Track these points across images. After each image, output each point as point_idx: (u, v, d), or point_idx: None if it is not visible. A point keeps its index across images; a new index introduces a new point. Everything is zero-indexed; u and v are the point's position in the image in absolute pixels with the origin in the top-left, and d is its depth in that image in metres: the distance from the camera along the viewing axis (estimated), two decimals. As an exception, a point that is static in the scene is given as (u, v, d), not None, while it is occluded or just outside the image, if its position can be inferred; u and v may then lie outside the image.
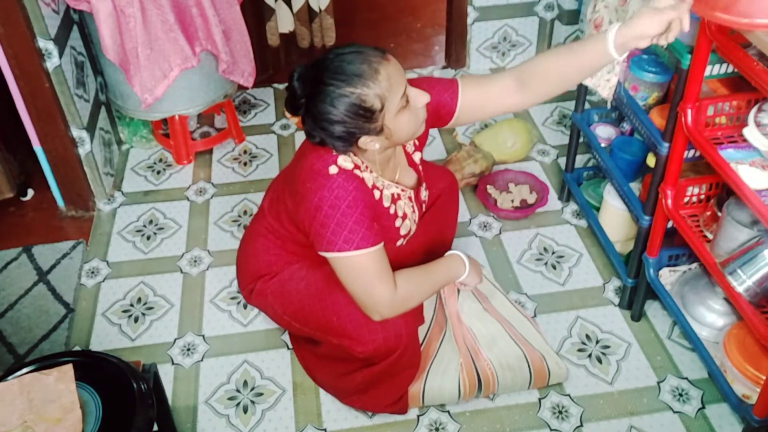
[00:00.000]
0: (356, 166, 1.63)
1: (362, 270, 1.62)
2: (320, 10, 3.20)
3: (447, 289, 1.98)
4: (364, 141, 1.56)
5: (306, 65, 1.55)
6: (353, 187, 1.60)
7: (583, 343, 2.09)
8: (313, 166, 1.61)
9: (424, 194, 1.89)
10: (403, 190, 1.76)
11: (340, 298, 1.74)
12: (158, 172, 2.80)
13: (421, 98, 1.58)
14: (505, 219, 2.49)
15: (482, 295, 2.06)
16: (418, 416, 1.91)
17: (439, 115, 1.74)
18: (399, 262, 1.73)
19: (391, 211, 1.74)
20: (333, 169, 1.59)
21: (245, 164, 2.83)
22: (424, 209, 1.93)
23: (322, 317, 1.80)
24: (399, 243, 1.82)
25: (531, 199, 2.53)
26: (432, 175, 1.99)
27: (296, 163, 1.72)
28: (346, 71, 1.48)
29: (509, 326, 2.00)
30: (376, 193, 1.68)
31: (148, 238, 2.51)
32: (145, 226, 2.56)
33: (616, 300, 2.21)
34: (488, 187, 2.59)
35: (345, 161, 1.61)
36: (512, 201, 2.50)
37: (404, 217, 1.78)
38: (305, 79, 1.53)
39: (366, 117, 1.51)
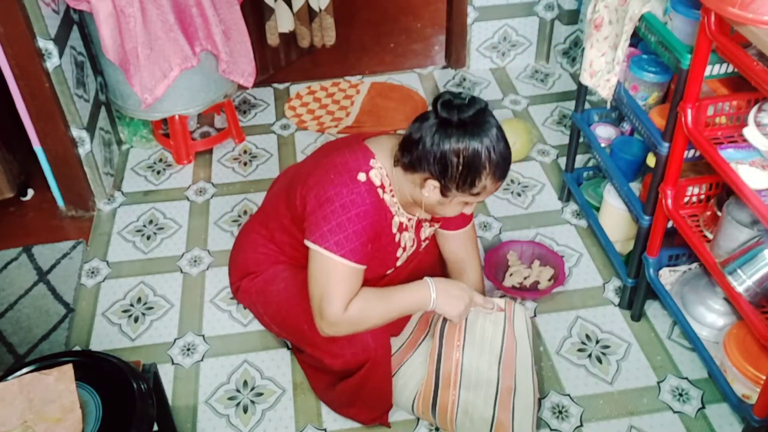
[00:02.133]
0: (382, 185, 1.65)
1: (332, 276, 1.60)
2: (320, 10, 3.21)
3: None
4: (431, 183, 1.59)
5: (486, 110, 1.58)
6: (370, 201, 1.62)
7: (583, 343, 2.09)
8: (347, 163, 1.64)
9: (427, 231, 1.87)
10: (409, 219, 1.77)
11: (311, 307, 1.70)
12: (158, 172, 2.80)
13: (468, 210, 1.71)
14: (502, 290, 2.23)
15: (512, 341, 1.85)
16: (418, 417, 1.91)
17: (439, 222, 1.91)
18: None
19: (396, 239, 1.75)
20: (362, 177, 1.62)
21: (245, 164, 2.83)
22: (422, 247, 1.90)
23: (295, 323, 1.80)
24: (389, 272, 1.83)
25: (543, 284, 2.22)
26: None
27: (325, 154, 1.73)
28: (505, 155, 1.58)
29: (507, 388, 1.79)
30: (389, 217, 1.69)
31: (148, 238, 2.51)
32: (145, 226, 2.56)
33: (616, 300, 2.21)
34: (511, 252, 2.31)
35: (376, 176, 1.64)
36: (525, 278, 2.24)
37: (404, 248, 1.80)
38: (480, 112, 1.55)
39: (464, 180, 1.56)
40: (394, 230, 1.73)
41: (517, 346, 1.86)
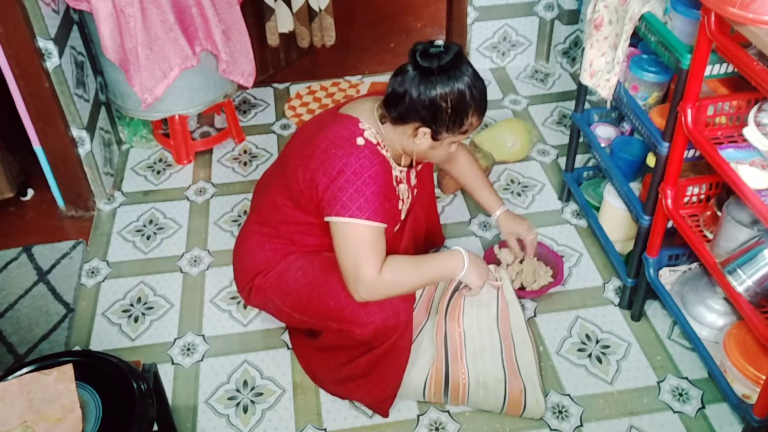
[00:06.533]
0: (378, 143, 1.71)
1: (360, 242, 1.64)
2: (320, 10, 3.21)
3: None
4: (422, 130, 1.67)
5: (462, 53, 1.65)
6: (378, 161, 1.68)
7: (583, 343, 2.09)
8: (340, 135, 1.69)
9: (414, 178, 1.91)
10: (401, 171, 1.82)
11: (336, 283, 1.74)
12: (158, 172, 2.80)
13: (454, 148, 1.78)
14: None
15: (504, 302, 1.93)
16: (418, 416, 1.91)
17: None
18: (392, 251, 1.77)
19: (396, 192, 1.80)
20: (360, 141, 1.68)
21: (245, 164, 2.83)
22: (413, 195, 1.95)
23: (320, 303, 1.81)
24: (396, 228, 1.86)
25: (541, 283, 2.19)
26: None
27: (312, 135, 1.76)
28: (483, 90, 1.68)
29: (509, 346, 1.90)
30: (390, 172, 1.75)
31: (148, 238, 2.51)
32: (145, 226, 2.56)
33: (616, 300, 2.21)
34: (503, 250, 2.23)
35: (371, 136, 1.70)
36: (517, 273, 2.21)
37: (403, 200, 1.84)
38: (457, 55, 1.62)
39: (454, 121, 1.65)
40: (394, 184, 1.78)
41: (509, 305, 1.93)
